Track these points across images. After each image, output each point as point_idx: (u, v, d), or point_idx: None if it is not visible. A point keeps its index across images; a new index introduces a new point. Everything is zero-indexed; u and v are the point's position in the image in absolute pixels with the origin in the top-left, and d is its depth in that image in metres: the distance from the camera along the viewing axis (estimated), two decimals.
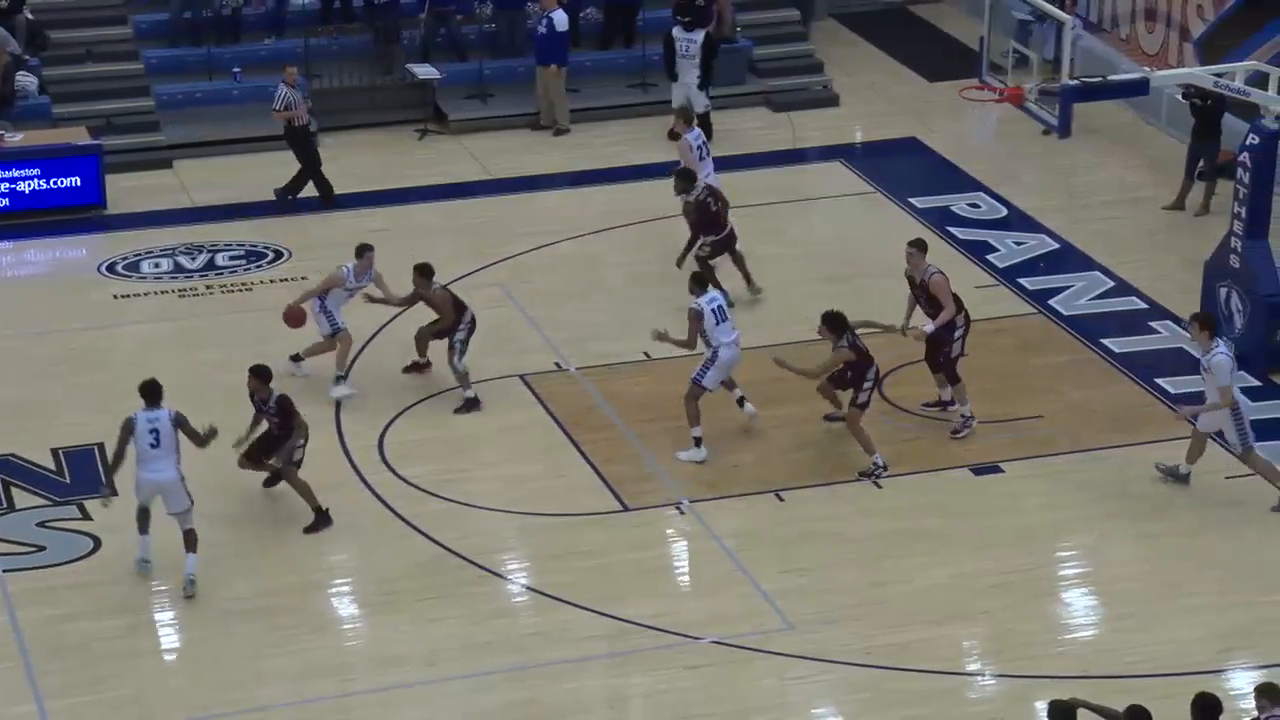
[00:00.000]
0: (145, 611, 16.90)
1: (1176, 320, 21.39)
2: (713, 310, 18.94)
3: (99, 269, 22.91)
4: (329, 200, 24.37)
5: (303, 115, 24.09)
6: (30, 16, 26.22)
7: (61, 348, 21.12)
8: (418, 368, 20.34)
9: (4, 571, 17.20)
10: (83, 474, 18.62)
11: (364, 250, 20.08)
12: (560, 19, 26.07)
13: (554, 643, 16.32)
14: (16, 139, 24.35)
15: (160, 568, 17.32)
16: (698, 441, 18.86)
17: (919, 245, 19.40)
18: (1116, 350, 20.96)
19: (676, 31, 26.05)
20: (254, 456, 17.98)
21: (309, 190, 24.44)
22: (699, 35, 26.02)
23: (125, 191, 24.56)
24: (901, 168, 25.58)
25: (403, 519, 18.00)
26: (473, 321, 19.78)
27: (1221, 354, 17.86)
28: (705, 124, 26.20)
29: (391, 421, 19.61)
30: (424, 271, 19.80)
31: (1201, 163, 23.93)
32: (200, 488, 18.38)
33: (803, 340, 20.54)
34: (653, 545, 17.81)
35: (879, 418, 19.45)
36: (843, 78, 28.20)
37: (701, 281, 19.37)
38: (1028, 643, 16.33)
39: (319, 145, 24.61)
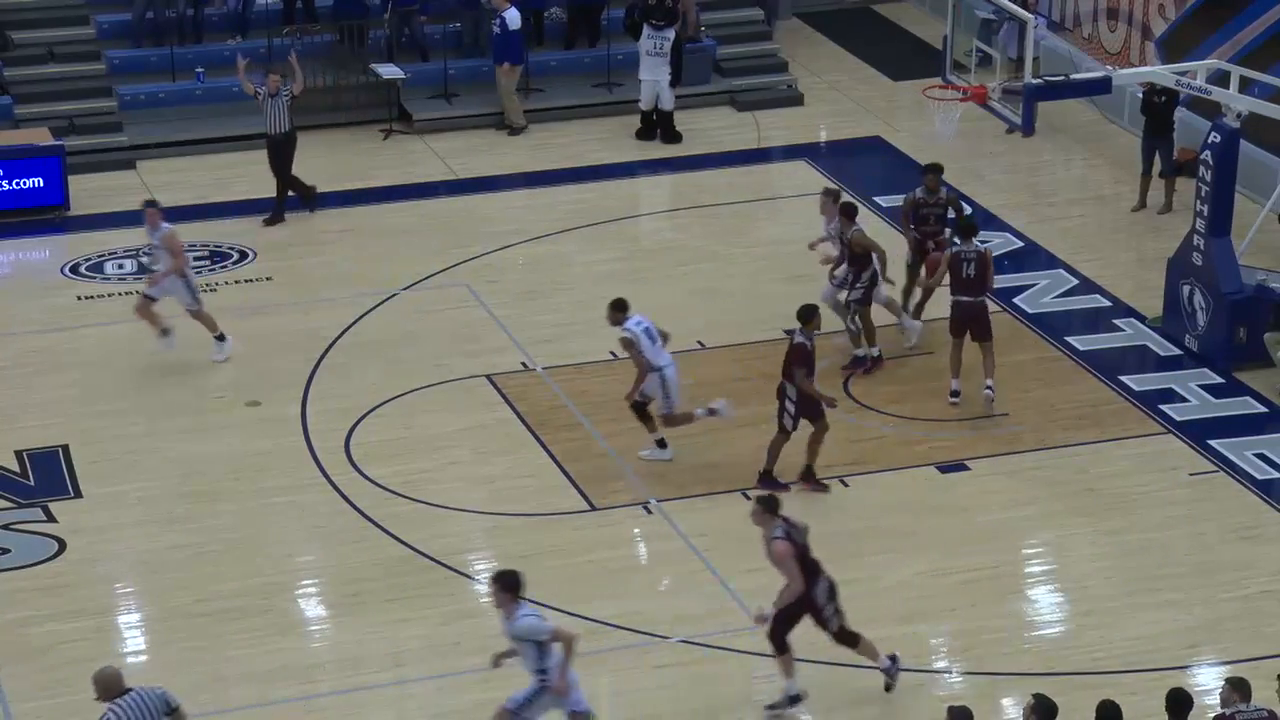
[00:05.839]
0: (111, 614, 16.85)
1: (1140, 318, 21.51)
2: (644, 332, 18.39)
3: (62, 270, 22.81)
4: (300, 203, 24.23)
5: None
6: None
7: (25, 349, 21.02)
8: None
9: None
10: (47, 476, 18.55)
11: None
12: (512, 17, 25.98)
13: None
14: None
15: (125, 571, 17.28)
16: (661, 443, 18.83)
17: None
18: (1080, 348, 21.03)
19: (647, 29, 26.01)
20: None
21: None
22: (671, 33, 26.03)
23: (88, 192, 24.45)
24: (866, 167, 25.61)
25: (369, 519, 17.97)
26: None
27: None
28: (669, 123, 26.24)
29: (358, 422, 19.57)
30: (848, 212, 20.28)
31: (1158, 157, 23.99)
32: (164, 490, 18.39)
33: (769, 340, 20.59)
34: (620, 545, 17.81)
35: (844, 417, 19.49)
36: (807, 77, 28.23)
37: (622, 306, 18.44)
38: (994, 640, 16.37)
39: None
